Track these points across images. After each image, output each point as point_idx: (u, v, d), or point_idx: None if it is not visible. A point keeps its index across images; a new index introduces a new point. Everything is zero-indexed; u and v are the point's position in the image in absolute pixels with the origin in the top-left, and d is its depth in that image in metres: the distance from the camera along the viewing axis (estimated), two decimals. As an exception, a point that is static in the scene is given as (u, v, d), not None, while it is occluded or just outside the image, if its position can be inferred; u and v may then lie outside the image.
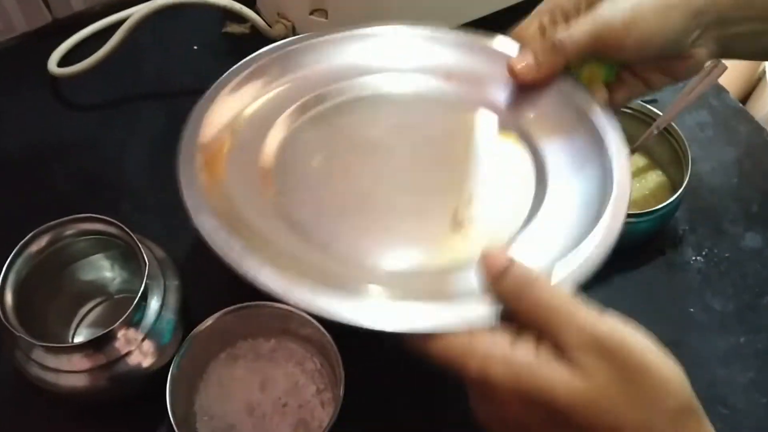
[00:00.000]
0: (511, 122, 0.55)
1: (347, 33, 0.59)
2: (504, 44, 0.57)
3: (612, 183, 0.49)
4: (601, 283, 0.65)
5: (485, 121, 0.56)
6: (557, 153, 0.53)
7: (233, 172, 0.50)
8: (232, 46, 0.82)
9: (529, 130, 0.54)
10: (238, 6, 0.77)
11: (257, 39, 0.78)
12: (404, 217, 0.51)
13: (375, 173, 0.53)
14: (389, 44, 0.59)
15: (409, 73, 0.58)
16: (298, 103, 0.56)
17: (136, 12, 0.75)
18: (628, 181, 0.50)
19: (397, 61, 0.59)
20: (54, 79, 0.78)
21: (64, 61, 0.79)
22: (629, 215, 0.63)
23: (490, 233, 0.50)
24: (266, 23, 0.78)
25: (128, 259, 0.57)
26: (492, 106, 0.56)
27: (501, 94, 0.56)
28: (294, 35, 0.69)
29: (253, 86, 0.56)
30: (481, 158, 0.55)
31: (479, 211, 0.51)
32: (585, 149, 0.52)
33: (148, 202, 0.71)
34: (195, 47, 0.82)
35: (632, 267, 0.68)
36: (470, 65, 0.58)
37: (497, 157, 0.55)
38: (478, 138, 0.56)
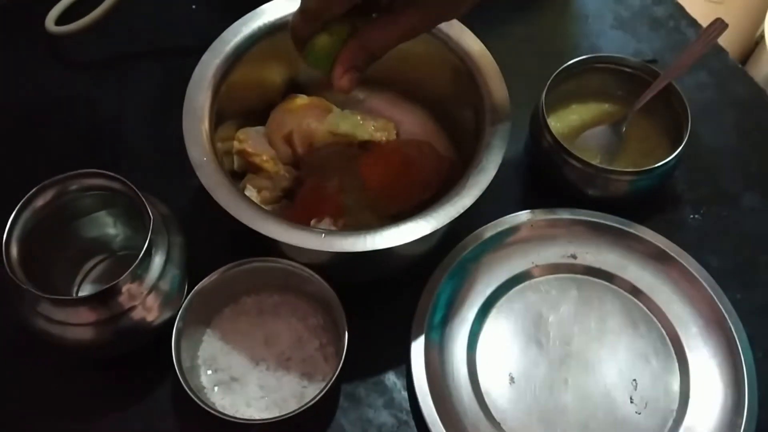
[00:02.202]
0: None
1: None
2: None
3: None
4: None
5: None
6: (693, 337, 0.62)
7: None
8: (231, 3, 0.81)
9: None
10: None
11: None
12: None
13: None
14: None
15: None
16: None
17: (135, -31, 0.74)
18: None
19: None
20: (52, 37, 0.77)
21: (61, 19, 0.78)
22: (628, 173, 0.64)
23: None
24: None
25: (131, 216, 0.57)
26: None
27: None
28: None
29: None
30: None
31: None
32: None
33: (148, 161, 0.71)
34: (193, 6, 0.82)
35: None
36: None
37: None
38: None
